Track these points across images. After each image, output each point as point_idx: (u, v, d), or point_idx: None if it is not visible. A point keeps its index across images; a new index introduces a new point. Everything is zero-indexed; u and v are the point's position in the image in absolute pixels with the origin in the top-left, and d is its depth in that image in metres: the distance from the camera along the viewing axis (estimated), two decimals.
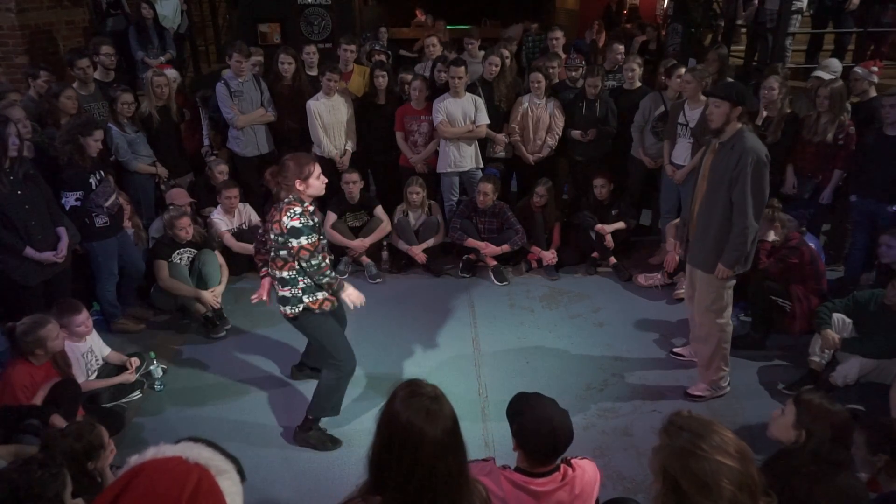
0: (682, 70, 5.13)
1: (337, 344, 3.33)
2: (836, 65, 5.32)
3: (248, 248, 5.14)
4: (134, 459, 1.14)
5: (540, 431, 2.07)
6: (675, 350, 4.22)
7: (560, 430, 2.07)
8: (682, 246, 3.83)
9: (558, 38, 6.31)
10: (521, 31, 8.73)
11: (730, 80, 5.38)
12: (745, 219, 3.31)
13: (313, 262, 3.12)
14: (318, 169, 3.16)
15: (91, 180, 4.15)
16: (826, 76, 4.97)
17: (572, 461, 2.18)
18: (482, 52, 6.00)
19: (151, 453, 1.15)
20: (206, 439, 1.39)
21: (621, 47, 6.07)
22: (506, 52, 5.82)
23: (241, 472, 1.28)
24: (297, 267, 3.14)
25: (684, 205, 5.12)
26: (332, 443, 3.45)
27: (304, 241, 3.06)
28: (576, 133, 5.51)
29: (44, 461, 2.26)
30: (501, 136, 5.59)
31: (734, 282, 3.58)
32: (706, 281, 3.56)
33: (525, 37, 8.39)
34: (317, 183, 3.15)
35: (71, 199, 4.10)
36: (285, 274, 3.16)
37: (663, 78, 5.45)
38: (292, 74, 5.59)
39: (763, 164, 3.26)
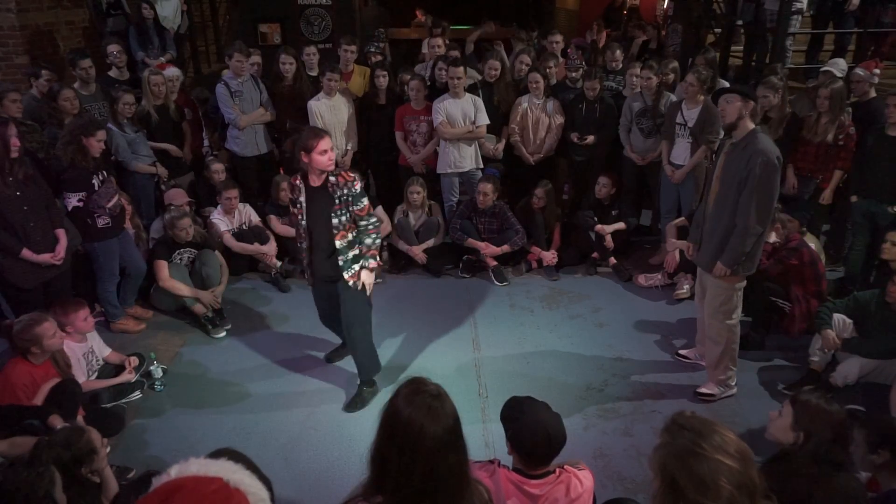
0: (640, 69, 5.28)
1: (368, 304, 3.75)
2: (842, 64, 5.31)
3: (249, 248, 5.16)
4: (175, 471, 1.13)
5: (534, 436, 2.09)
6: (680, 353, 4.21)
7: (553, 435, 2.10)
8: (695, 248, 3.74)
9: (558, 41, 6.32)
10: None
11: (724, 82, 5.41)
12: (746, 219, 3.29)
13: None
14: (323, 145, 3.36)
15: (94, 181, 4.14)
16: (836, 72, 4.98)
17: (568, 467, 2.19)
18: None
19: (194, 468, 1.14)
20: (245, 457, 1.38)
21: (619, 53, 6.08)
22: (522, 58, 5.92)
23: (272, 498, 1.28)
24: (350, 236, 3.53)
25: (684, 204, 5.14)
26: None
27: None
28: (573, 136, 5.52)
29: (29, 461, 2.25)
30: (500, 144, 5.64)
31: (744, 283, 3.55)
32: (715, 283, 3.54)
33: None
34: (319, 158, 3.37)
35: (73, 200, 4.09)
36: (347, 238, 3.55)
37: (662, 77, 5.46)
38: (293, 74, 5.60)
39: (773, 167, 3.21)
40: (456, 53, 6.10)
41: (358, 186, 3.48)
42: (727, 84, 5.38)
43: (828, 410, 2.36)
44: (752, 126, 3.29)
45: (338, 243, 3.48)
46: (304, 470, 3.28)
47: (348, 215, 3.48)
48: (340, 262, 3.50)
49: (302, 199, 3.54)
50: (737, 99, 3.25)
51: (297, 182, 3.55)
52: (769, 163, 3.20)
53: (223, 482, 1.12)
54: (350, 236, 3.51)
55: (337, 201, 3.46)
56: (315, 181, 3.49)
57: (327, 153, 3.39)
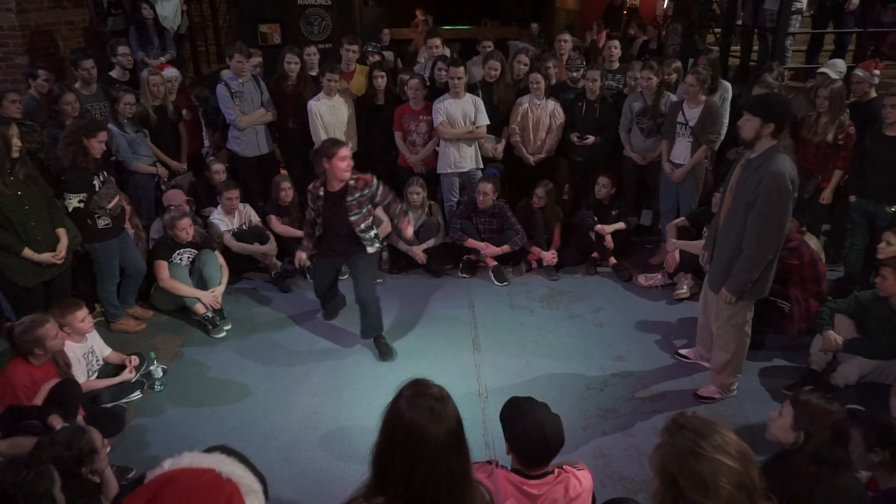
0: (643, 69, 5.27)
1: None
2: (841, 65, 5.30)
3: (249, 248, 5.15)
4: (168, 464, 1.13)
5: (531, 436, 2.09)
6: (679, 352, 4.21)
7: (551, 435, 2.10)
8: (709, 256, 3.66)
9: (566, 40, 6.31)
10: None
11: (725, 83, 5.39)
12: (753, 247, 3.17)
13: None
14: (343, 152, 3.79)
15: (95, 182, 4.15)
16: (833, 74, 4.97)
17: (567, 467, 2.19)
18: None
19: (187, 461, 1.15)
20: (239, 452, 1.40)
21: (617, 42, 6.08)
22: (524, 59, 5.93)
23: (266, 492, 1.28)
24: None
25: (683, 204, 5.14)
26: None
27: None
28: (573, 137, 5.52)
29: (29, 460, 2.25)
30: (500, 145, 5.64)
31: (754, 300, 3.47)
32: (721, 300, 3.47)
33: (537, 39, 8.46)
34: (339, 164, 3.79)
35: (74, 201, 4.09)
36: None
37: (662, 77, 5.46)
38: (297, 74, 5.61)
39: (785, 193, 3.04)
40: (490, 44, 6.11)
41: (374, 183, 3.99)
42: (728, 84, 5.39)
43: (828, 410, 2.37)
44: (771, 143, 3.13)
45: (362, 226, 3.99)
46: (304, 470, 3.28)
47: (368, 208, 4.00)
48: (366, 239, 4.03)
49: (320, 203, 3.99)
50: (756, 119, 3.11)
51: (319, 192, 3.97)
52: (781, 187, 3.02)
53: (215, 473, 1.13)
54: (370, 219, 4.05)
55: (355, 203, 3.92)
56: (335, 186, 3.91)
57: (346, 161, 3.79)
